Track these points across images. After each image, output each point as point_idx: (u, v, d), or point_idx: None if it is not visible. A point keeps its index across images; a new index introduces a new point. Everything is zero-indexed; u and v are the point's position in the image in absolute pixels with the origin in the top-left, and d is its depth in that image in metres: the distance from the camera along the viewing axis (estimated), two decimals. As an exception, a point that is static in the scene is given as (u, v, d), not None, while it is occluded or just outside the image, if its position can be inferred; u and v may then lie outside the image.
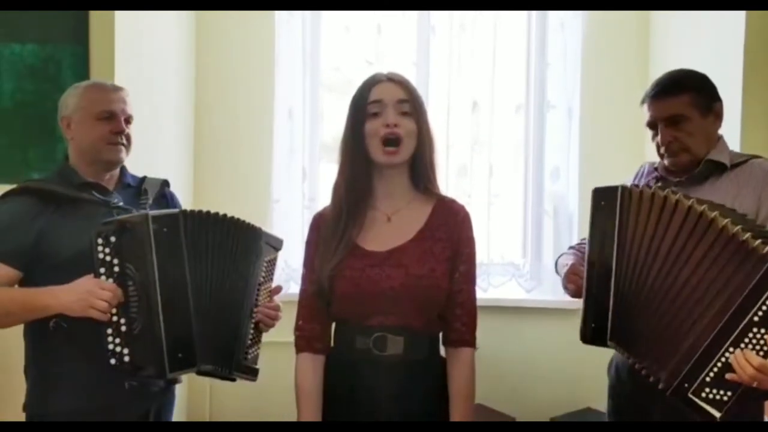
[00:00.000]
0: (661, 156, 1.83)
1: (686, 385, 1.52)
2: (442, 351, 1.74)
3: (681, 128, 1.77)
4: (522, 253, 3.16)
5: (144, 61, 2.64)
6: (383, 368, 1.63)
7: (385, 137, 1.63)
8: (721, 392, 1.48)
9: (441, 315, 1.69)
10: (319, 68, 3.18)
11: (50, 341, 1.72)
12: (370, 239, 1.67)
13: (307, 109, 3.14)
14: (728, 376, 1.47)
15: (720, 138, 1.83)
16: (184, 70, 3.08)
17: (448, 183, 3.02)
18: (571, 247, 2.10)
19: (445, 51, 3.12)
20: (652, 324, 1.61)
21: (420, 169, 1.70)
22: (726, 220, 1.52)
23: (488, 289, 3.03)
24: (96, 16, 2.37)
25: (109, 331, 1.61)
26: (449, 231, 1.69)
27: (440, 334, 1.73)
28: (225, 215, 1.78)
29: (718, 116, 1.82)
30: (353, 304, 1.65)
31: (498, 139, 3.13)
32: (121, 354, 1.61)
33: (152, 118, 2.75)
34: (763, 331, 1.45)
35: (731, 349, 1.47)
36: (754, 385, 1.44)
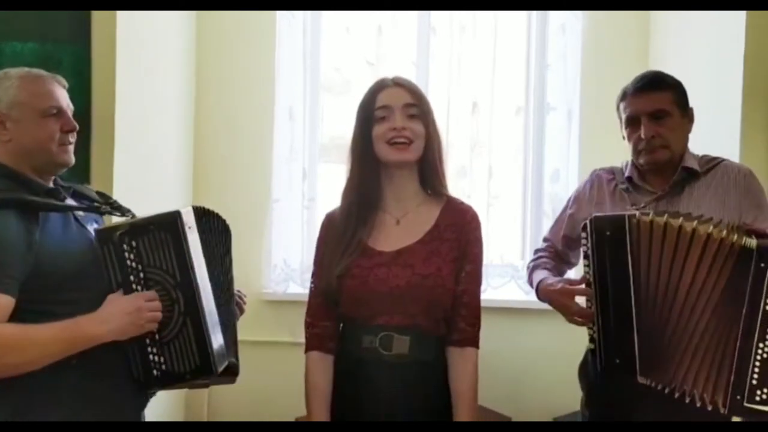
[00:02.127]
0: (638, 153, 1.82)
1: (738, 397, 1.54)
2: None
3: (664, 123, 1.79)
4: (521, 255, 3.16)
5: (145, 60, 2.64)
6: (389, 368, 1.64)
7: (393, 140, 1.64)
8: None
9: (447, 316, 1.69)
10: (319, 69, 3.18)
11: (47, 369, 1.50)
12: (379, 240, 1.69)
13: (308, 109, 3.14)
14: None
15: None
16: (185, 70, 3.08)
17: (448, 184, 3.01)
18: (536, 261, 2.04)
19: (446, 52, 3.12)
20: (689, 355, 1.61)
21: (428, 171, 1.72)
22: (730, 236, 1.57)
23: (487, 290, 3.03)
24: (98, 16, 2.37)
25: (147, 341, 1.54)
26: (457, 231, 1.70)
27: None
28: (213, 211, 1.75)
29: (692, 120, 1.86)
30: (360, 303, 1.66)
31: (498, 141, 3.13)
32: (159, 363, 1.54)
33: (153, 118, 2.75)
34: None
35: (761, 345, 1.52)
36: None
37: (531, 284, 2.02)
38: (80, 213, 1.65)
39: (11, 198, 1.51)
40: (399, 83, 1.71)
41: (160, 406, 2.59)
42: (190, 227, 1.59)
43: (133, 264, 1.53)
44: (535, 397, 3.00)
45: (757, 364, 1.52)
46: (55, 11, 2.32)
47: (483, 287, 3.02)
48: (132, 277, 1.53)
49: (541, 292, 1.91)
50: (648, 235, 1.64)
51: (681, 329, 1.62)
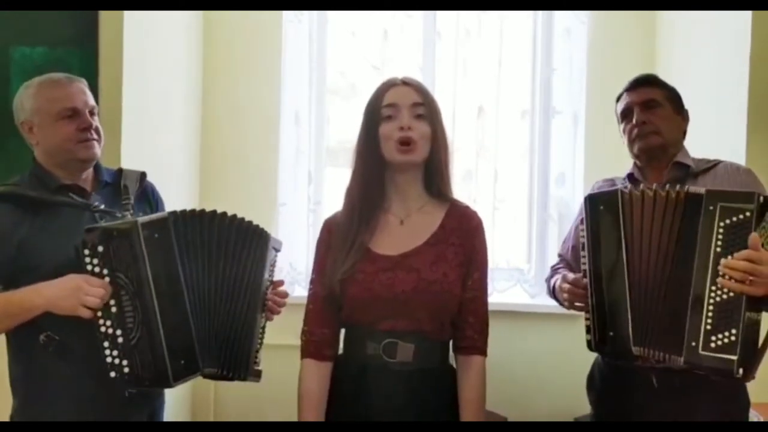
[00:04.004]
0: (632, 142, 1.86)
1: (693, 344, 1.53)
2: (452, 360, 1.73)
3: (655, 112, 1.84)
4: (527, 259, 3.16)
5: (152, 63, 2.66)
6: (393, 376, 1.62)
7: (400, 140, 1.63)
8: (726, 333, 1.50)
9: (453, 322, 1.68)
10: (325, 73, 3.19)
11: (40, 357, 1.63)
12: (382, 243, 1.67)
13: (314, 113, 3.15)
14: (720, 281, 1.50)
15: (683, 145, 1.90)
16: (191, 74, 3.09)
17: (454, 188, 3.01)
18: (554, 269, 2.07)
19: (451, 56, 3.12)
20: (672, 317, 1.61)
21: (434, 173, 1.70)
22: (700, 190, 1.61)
23: (493, 294, 3.01)
24: (105, 19, 2.39)
25: (106, 344, 1.55)
26: (462, 237, 1.68)
27: (451, 342, 1.72)
28: (217, 213, 1.71)
29: (686, 120, 1.91)
30: (364, 308, 1.64)
31: (503, 145, 3.13)
32: (120, 366, 1.55)
33: (159, 121, 2.77)
34: (729, 258, 1.50)
35: (713, 288, 1.51)
36: (749, 283, 1.46)
37: (551, 293, 2.03)
38: (103, 207, 1.72)
39: (1, 192, 1.63)
40: (407, 82, 1.69)
41: (166, 406, 2.59)
42: (157, 235, 1.57)
43: (96, 269, 1.55)
44: (540, 401, 3.00)
45: (711, 308, 1.51)
46: (63, 16, 2.34)
47: (489, 291, 3.05)
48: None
49: (556, 291, 1.95)
50: (640, 206, 1.67)
51: (671, 294, 1.62)
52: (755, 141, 2.29)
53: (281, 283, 1.87)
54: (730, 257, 1.50)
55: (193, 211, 1.68)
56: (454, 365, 1.73)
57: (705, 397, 1.68)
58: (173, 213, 1.65)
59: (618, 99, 1.94)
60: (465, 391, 1.66)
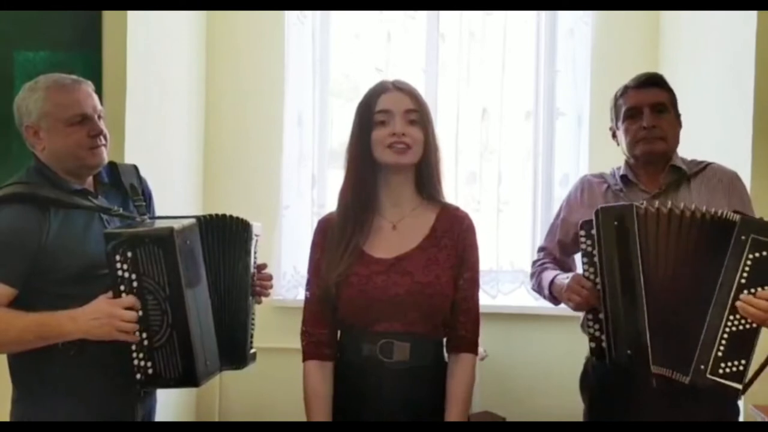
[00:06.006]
0: (636, 144, 1.84)
1: (702, 367, 1.55)
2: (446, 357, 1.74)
3: (663, 118, 1.83)
4: (531, 260, 3.15)
5: (155, 66, 2.67)
6: (390, 375, 1.63)
7: (392, 146, 1.64)
8: (736, 362, 1.53)
9: (445, 321, 1.70)
10: (328, 75, 3.20)
11: (58, 358, 1.63)
12: (376, 246, 1.68)
13: (317, 115, 3.15)
14: (740, 308, 1.51)
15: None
16: (195, 77, 3.10)
17: (458, 190, 3.02)
18: (541, 266, 2.03)
19: (455, 58, 3.13)
20: (685, 337, 1.61)
21: (425, 177, 1.71)
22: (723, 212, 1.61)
23: (497, 296, 3.02)
24: (108, 22, 2.39)
25: (134, 347, 1.58)
26: (454, 238, 1.69)
27: (444, 340, 1.73)
28: (228, 215, 1.77)
29: (680, 126, 1.90)
30: (359, 311, 1.65)
31: (507, 147, 3.13)
32: (145, 367, 1.58)
33: (163, 124, 2.77)
34: (753, 290, 1.52)
35: (731, 318, 1.53)
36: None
37: (539, 288, 2.00)
38: (122, 211, 1.73)
39: (23, 192, 1.62)
40: (400, 87, 1.69)
41: (171, 406, 2.60)
42: (188, 242, 1.61)
43: (126, 274, 1.56)
44: (544, 402, 2.99)
45: (725, 336, 1.53)
46: (66, 20, 2.35)
47: (493, 293, 3.05)
48: (123, 287, 1.56)
49: (555, 286, 1.90)
50: (655, 224, 1.66)
51: (686, 316, 1.62)
52: (761, 140, 2.28)
53: (265, 266, 1.90)
54: (753, 290, 1.52)
55: (216, 216, 1.75)
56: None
57: (701, 400, 1.68)
58: (199, 219, 1.70)
59: (622, 92, 1.90)
60: (453, 388, 1.67)
